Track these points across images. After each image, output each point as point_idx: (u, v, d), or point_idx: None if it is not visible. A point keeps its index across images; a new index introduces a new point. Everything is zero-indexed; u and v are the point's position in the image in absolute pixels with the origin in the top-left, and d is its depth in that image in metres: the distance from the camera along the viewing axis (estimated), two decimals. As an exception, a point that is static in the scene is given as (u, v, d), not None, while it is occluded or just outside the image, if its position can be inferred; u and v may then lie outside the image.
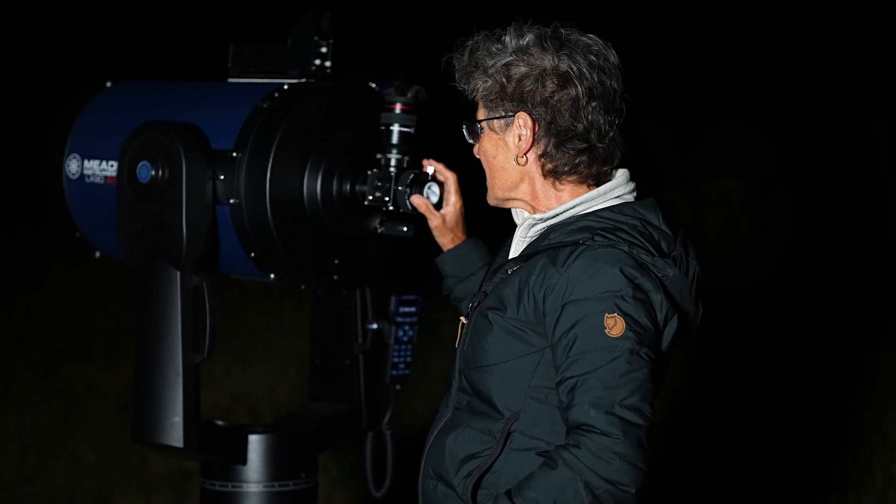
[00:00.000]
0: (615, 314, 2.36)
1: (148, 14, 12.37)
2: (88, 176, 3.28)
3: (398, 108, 3.06)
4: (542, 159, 2.54)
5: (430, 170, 3.04)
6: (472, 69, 2.56)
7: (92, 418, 6.40)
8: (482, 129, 2.59)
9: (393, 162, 3.06)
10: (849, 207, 7.90)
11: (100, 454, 5.99)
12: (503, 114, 2.54)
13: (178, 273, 3.00)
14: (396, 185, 3.03)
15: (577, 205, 2.55)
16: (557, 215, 2.56)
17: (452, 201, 3.03)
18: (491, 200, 2.65)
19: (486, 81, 2.54)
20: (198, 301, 3.03)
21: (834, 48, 9.46)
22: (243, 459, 3.16)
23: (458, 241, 3.02)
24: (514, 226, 2.71)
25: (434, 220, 3.01)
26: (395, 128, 3.06)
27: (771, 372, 6.23)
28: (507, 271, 2.54)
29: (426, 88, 3.08)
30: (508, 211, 2.70)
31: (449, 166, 3.06)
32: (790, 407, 5.88)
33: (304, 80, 3.16)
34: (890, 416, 5.72)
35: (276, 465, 3.18)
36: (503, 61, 2.51)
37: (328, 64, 3.19)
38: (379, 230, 3.18)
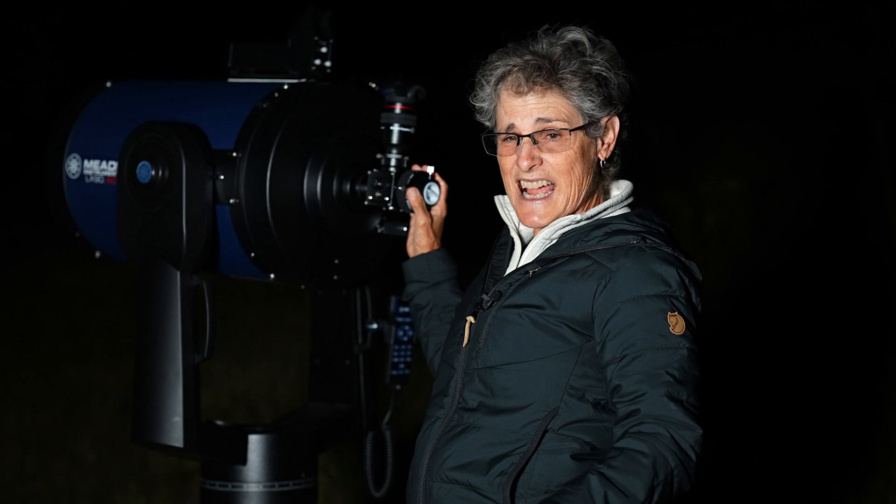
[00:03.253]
0: (676, 313, 2.44)
1: (148, 14, 12.37)
2: (88, 176, 3.28)
3: (398, 108, 3.06)
4: (606, 162, 2.64)
5: (430, 169, 3.04)
6: (570, 75, 2.55)
7: (92, 418, 6.39)
8: (558, 135, 2.57)
9: (393, 162, 3.06)
10: (849, 206, 7.90)
11: (100, 454, 5.99)
12: (604, 116, 2.59)
13: (178, 273, 3.00)
14: (396, 185, 3.03)
15: (602, 210, 2.62)
16: (589, 218, 2.61)
17: (442, 206, 3.04)
18: (550, 220, 2.61)
19: (590, 84, 2.57)
20: (198, 301, 3.03)
21: (834, 48, 9.47)
22: (243, 459, 3.16)
23: (433, 248, 3.03)
24: (494, 230, 2.72)
25: (422, 219, 3.01)
26: (395, 128, 3.06)
27: (771, 371, 6.23)
28: (528, 272, 2.55)
29: (426, 88, 3.08)
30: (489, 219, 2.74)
31: (449, 167, 3.06)
32: (790, 406, 5.88)
33: (304, 80, 3.16)
34: (890, 417, 5.72)
35: (276, 465, 3.18)
36: (605, 66, 2.58)
37: (328, 64, 3.19)
38: (379, 230, 3.18)
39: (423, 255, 3.01)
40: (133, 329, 3.06)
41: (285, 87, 3.09)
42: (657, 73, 9.30)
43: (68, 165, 3.32)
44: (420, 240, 3.02)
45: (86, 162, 3.29)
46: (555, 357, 2.49)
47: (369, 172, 3.07)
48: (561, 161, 2.56)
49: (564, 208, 2.60)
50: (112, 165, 3.22)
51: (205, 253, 3.03)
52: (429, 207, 3.03)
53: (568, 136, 2.56)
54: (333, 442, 3.37)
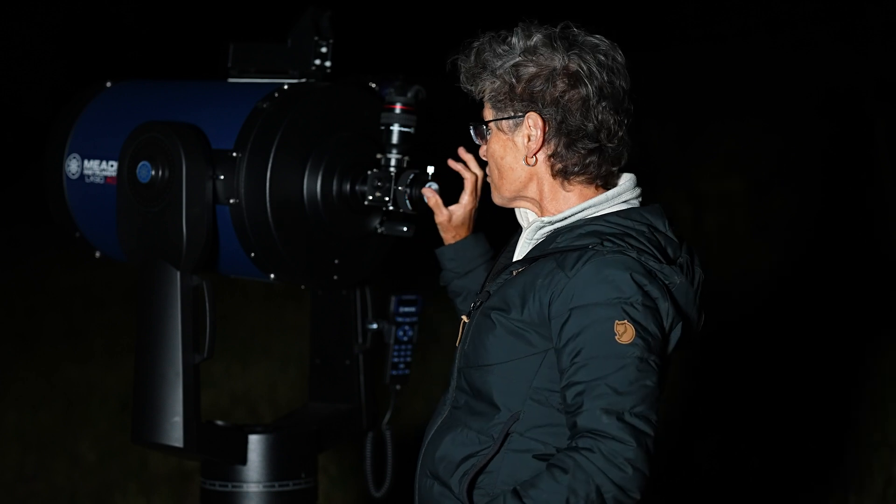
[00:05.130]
0: (625, 321, 2.37)
1: (148, 14, 12.38)
2: (88, 176, 3.28)
3: (398, 108, 3.06)
4: (552, 159, 2.55)
5: (430, 170, 3.04)
6: (478, 70, 2.56)
7: (92, 418, 6.40)
8: (489, 129, 2.60)
9: (393, 162, 3.05)
10: (849, 206, 7.90)
11: (100, 454, 5.99)
12: (512, 114, 2.55)
13: (178, 273, 3.00)
14: (396, 185, 3.03)
15: (586, 208, 2.56)
16: (566, 218, 2.56)
17: (465, 201, 2.97)
18: (497, 200, 2.65)
19: (494, 82, 2.55)
20: (198, 301, 3.03)
21: (834, 47, 9.47)
22: (243, 459, 3.16)
23: (459, 238, 3.01)
24: (517, 227, 2.71)
25: (440, 216, 2.98)
26: (395, 128, 3.06)
27: (771, 372, 6.23)
28: (511, 272, 2.54)
29: (426, 88, 3.08)
30: (513, 212, 2.71)
31: (449, 166, 3.05)
32: (790, 407, 5.88)
33: (304, 80, 3.16)
34: (890, 416, 5.72)
35: (276, 465, 3.18)
36: (512, 62, 2.52)
37: (328, 64, 3.19)
38: (379, 230, 3.18)
39: (452, 244, 3.00)
40: (133, 329, 3.06)
41: (285, 87, 3.09)
42: (657, 73, 9.30)
43: (68, 165, 3.32)
44: (443, 235, 3.01)
45: (86, 162, 3.29)
46: (521, 360, 2.47)
47: (369, 172, 3.07)
48: (488, 154, 2.63)
49: (502, 195, 2.62)
50: (112, 165, 3.22)
51: (205, 253, 3.03)
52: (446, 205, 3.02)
53: (480, 129, 2.61)
54: (333, 442, 3.38)
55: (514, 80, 2.53)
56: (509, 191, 2.61)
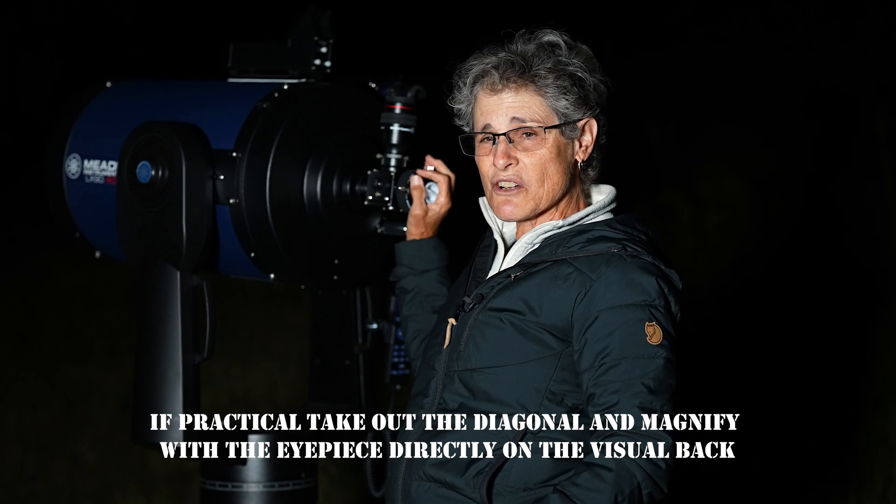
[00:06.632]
0: (654, 323, 2.44)
1: (148, 14, 12.38)
2: (88, 176, 3.28)
3: (398, 108, 3.06)
4: (587, 166, 2.64)
5: (430, 170, 3.04)
6: (545, 72, 2.55)
7: (92, 418, 6.40)
8: (535, 135, 2.57)
9: (393, 162, 3.06)
10: (849, 207, 7.90)
11: (100, 454, 5.99)
12: (580, 117, 2.58)
13: (178, 273, 3.00)
14: (396, 185, 3.03)
15: (585, 216, 2.62)
16: (571, 223, 2.60)
17: (442, 201, 3.00)
18: (519, 213, 2.60)
19: (564, 82, 2.55)
20: (198, 301, 3.03)
21: (834, 48, 9.46)
22: (243, 459, 3.16)
23: (425, 237, 3.02)
24: (479, 232, 2.72)
25: (417, 209, 2.99)
26: (395, 128, 3.06)
27: (770, 372, 6.22)
28: (510, 276, 2.55)
29: (426, 88, 3.08)
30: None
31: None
32: (790, 406, 5.88)
33: (304, 80, 3.17)
34: (890, 416, 5.72)
35: (276, 465, 3.18)
36: (581, 67, 2.57)
37: (328, 64, 3.19)
38: (379, 230, 3.18)
39: (415, 241, 3.00)
40: (133, 329, 3.06)
41: (285, 87, 3.09)
42: (657, 73, 9.31)
43: (68, 165, 3.32)
44: (410, 227, 3.01)
45: (86, 162, 3.29)
46: (535, 362, 2.50)
47: (369, 172, 3.08)
48: (535, 161, 2.56)
49: (538, 205, 2.59)
50: (112, 165, 3.22)
51: (205, 253, 3.03)
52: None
53: (543, 135, 2.55)
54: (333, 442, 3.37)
55: (588, 85, 2.57)
56: (552, 199, 2.61)
